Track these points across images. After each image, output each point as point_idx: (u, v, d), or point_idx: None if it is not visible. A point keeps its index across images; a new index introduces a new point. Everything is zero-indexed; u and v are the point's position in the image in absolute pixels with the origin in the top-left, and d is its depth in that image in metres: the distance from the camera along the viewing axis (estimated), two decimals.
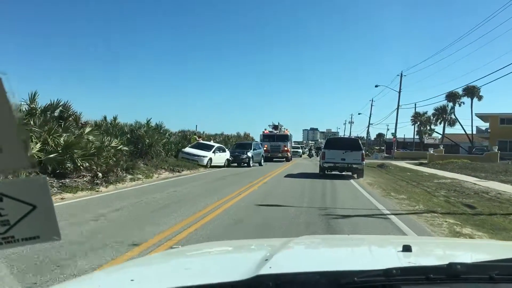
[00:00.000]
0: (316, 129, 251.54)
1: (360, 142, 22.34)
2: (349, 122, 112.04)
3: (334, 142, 21.99)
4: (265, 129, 43.12)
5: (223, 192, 12.50)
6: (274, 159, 39.24)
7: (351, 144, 21.07)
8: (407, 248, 1.67)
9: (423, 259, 1.83)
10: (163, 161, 21.72)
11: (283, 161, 39.12)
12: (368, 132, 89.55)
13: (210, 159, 26.09)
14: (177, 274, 1.54)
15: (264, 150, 37.39)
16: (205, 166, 25.12)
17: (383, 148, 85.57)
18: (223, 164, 27.49)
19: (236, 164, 28.91)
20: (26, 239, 0.75)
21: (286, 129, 44.28)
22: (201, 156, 25.72)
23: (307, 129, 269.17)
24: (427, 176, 23.32)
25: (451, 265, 1.27)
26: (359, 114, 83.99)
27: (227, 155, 28.68)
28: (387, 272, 1.25)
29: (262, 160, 32.79)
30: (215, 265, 1.76)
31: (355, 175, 20.17)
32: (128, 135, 21.61)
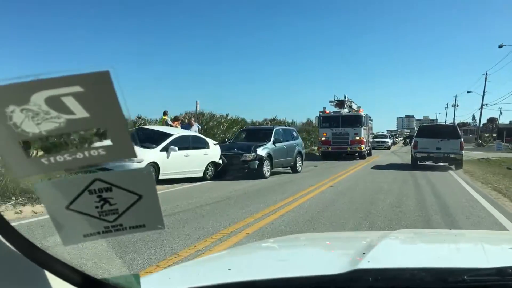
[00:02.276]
0: (412, 117, 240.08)
1: (458, 129, 20.65)
2: (452, 106, 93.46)
3: (428, 129, 20.64)
4: (324, 108, 27.88)
5: None
6: (343, 155, 26.08)
7: (448, 131, 19.58)
8: None
9: None
10: None
11: (354, 158, 25.99)
12: (474, 117, 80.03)
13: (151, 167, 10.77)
14: (273, 265, 1.54)
15: (322, 141, 26.40)
16: None
17: (494, 135, 75.78)
18: (201, 174, 14.00)
19: (244, 172, 14.80)
20: (133, 227, 0.78)
21: (359, 108, 29.59)
22: None
23: (401, 117, 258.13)
24: None
25: None
26: (468, 92, 67.66)
27: (211, 154, 14.29)
28: (501, 271, 1.14)
29: (300, 163, 17.72)
30: (310, 258, 1.74)
31: (453, 166, 18.81)
32: None
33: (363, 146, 26.11)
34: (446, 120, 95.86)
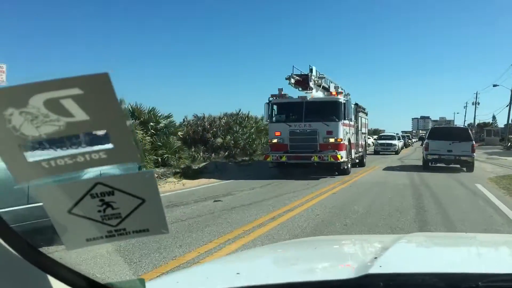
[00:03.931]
0: (428, 118, 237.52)
1: (469, 131, 20.91)
2: (472, 104, 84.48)
3: (439, 131, 20.74)
4: (280, 90, 17.04)
5: None
6: (313, 166, 15.96)
7: (459, 134, 19.71)
8: None
9: None
10: None
11: (331, 172, 15.90)
12: (494, 117, 75.15)
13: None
14: (283, 269, 1.52)
15: (273, 145, 16.25)
16: None
17: None
18: None
19: None
20: (137, 232, 0.76)
21: (338, 89, 18.13)
22: None
23: (416, 118, 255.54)
24: None
25: None
26: (494, 86, 55.66)
27: None
28: None
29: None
30: (321, 261, 1.71)
31: (464, 169, 18.86)
32: None
33: (341, 153, 15.35)
34: (465, 120, 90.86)
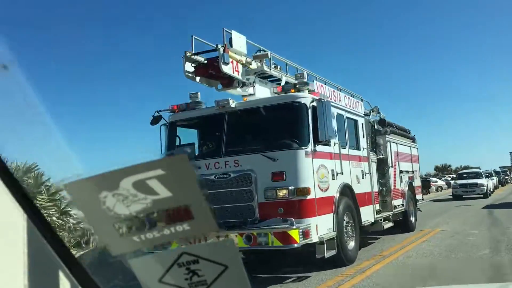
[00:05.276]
0: None
1: None
2: None
3: None
4: (192, 97, 8.06)
5: None
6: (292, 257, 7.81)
7: None
8: None
9: None
10: None
11: (310, 268, 7.27)
12: None
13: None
14: None
15: None
16: None
17: None
18: None
19: None
20: None
21: (301, 79, 7.65)
22: None
23: None
24: None
25: None
26: None
27: None
28: None
29: None
30: None
31: None
32: None
33: (308, 223, 6.77)
34: None
